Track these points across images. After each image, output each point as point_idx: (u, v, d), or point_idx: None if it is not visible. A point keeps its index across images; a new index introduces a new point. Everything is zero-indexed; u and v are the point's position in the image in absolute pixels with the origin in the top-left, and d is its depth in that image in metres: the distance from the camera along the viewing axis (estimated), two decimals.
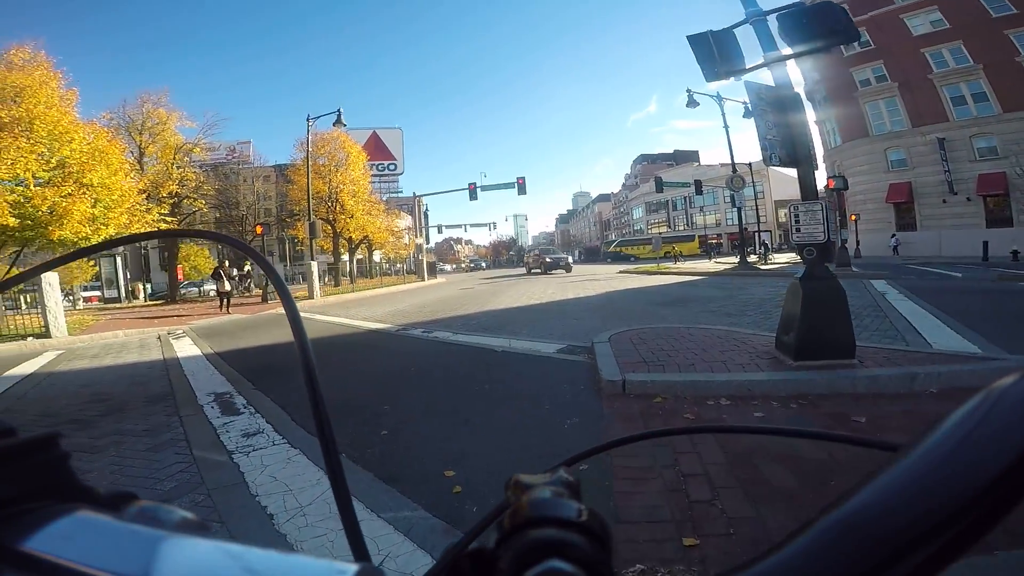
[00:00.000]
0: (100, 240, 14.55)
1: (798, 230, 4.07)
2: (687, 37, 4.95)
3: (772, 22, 5.10)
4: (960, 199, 27.23)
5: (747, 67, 4.75)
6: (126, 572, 0.22)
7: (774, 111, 4.41)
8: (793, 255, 33.07)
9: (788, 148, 4.32)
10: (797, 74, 32.71)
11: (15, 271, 16.15)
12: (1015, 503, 0.18)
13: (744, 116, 21.80)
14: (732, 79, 5.01)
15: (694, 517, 2.21)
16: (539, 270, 29.88)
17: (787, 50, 4.42)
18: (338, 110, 19.52)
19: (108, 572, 0.22)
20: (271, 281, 0.41)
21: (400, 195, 49.56)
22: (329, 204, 28.49)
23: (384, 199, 38.91)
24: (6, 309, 12.74)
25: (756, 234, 28.45)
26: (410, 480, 2.69)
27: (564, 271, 28.61)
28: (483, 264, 67.06)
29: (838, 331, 3.98)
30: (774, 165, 4.36)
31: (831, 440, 0.41)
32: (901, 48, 28.49)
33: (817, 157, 4.59)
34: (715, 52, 4.69)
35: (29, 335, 10.95)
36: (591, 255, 77.13)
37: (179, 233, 0.63)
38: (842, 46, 30.05)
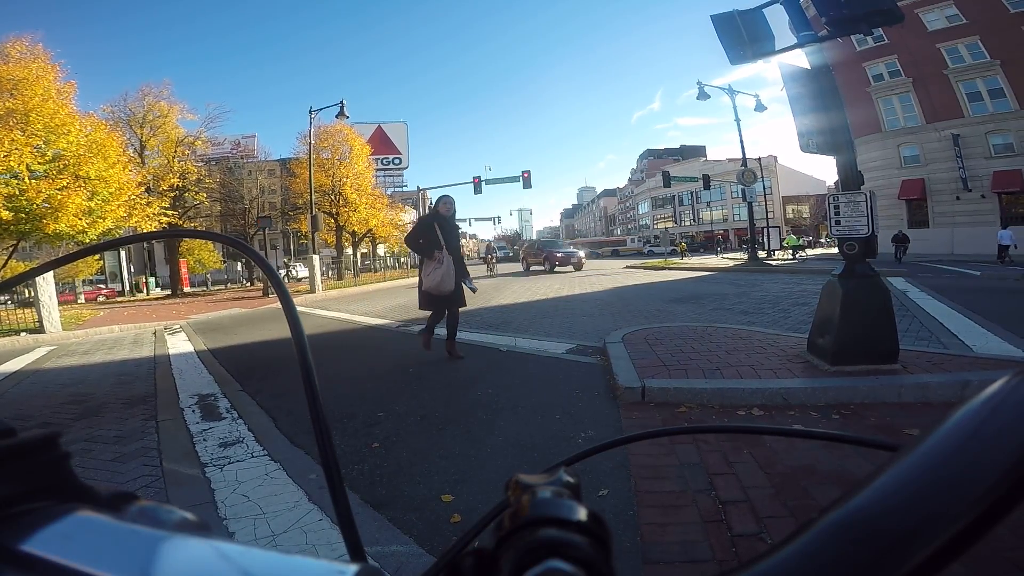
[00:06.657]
0: (98, 234, 14.28)
1: (838, 222, 3.66)
2: (711, 17, 4.56)
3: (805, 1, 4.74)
4: (974, 196, 26.68)
5: (778, 48, 4.37)
6: (126, 573, 0.22)
7: (810, 95, 4.02)
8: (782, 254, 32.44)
9: (826, 135, 3.92)
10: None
11: (13, 264, 15.96)
12: (1016, 504, 0.18)
13: (756, 110, 21.33)
14: (760, 61, 4.64)
15: (740, 556, 1.85)
16: (541, 267, 23.85)
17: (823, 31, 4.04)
18: (341, 102, 19.08)
19: (108, 573, 0.22)
20: (269, 280, 0.42)
21: (404, 189, 48.70)
22: (332, 197, 28.14)
23: (388, 193, 38.42)
24: (9, 304, 12.49)
25: (765, 230, 27.81)
26: (402, 505, 2.32)
27: (573, 268, 23.03)
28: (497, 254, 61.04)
29: (881, 334, 3.58)
30: (811, 152, 3.97)
31: (831, 440, 0.41)
32: (916, 43, 27.85)
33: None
34: (743, 32, 4.32)
35: (23, 330, 10.68)
36: (593, 249, 78.22)
37: (178, 233, 0.58)
38: (853, 39, 29.52)
